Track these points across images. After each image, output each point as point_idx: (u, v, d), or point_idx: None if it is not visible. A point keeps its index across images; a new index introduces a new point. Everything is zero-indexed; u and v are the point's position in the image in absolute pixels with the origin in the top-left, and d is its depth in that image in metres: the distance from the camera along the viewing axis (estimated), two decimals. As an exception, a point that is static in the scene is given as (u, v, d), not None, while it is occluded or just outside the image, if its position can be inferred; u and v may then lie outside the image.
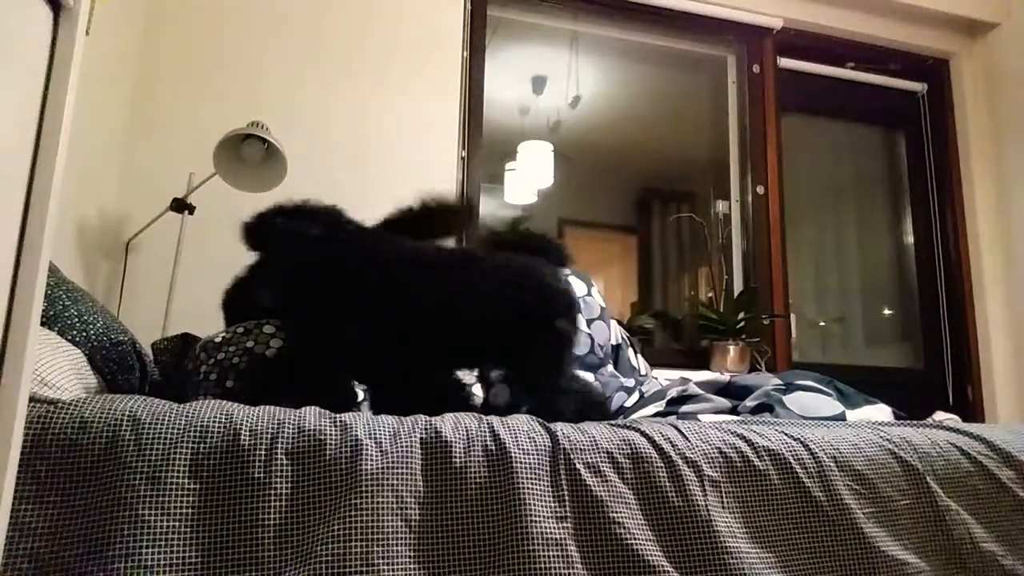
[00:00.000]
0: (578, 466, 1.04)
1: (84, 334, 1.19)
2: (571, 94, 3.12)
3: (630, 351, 2.06)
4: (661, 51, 3.20)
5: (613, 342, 1.99)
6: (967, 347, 3.08)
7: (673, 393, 1.67)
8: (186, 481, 0.90)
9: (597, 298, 2.02)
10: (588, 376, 1.75)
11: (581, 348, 1.84)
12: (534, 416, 1.14)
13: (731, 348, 2.70)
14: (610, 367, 1.90)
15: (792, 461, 1.14)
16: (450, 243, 1.55)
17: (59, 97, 0.85)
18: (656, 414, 1.55)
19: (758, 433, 1.18)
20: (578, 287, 1.98)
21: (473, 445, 1.02)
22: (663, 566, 0.99)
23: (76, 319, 1.19)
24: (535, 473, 1.02)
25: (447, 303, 1.35)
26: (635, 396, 1.75)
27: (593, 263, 2.16)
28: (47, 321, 1.13)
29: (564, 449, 1.05)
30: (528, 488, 1.00)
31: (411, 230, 1.53)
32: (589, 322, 1.94)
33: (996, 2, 3.20)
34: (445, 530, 0.96)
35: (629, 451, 1.08)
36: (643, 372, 2.05)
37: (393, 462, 0.97)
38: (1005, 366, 2.99)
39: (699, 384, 1.70)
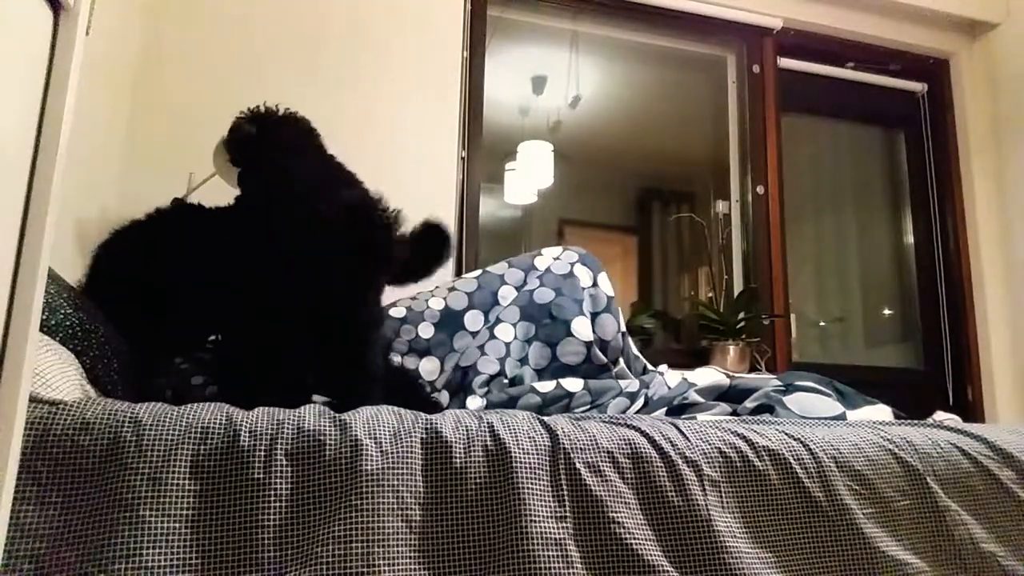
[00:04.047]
0: (578, 466, 1.04)
1: (86, 343, 1.18)
2: (571, 94, 3.12)
3: (630, 340, 1.98)
4: (661, 51, 3.19)
5: (621, 330, 1.89)
6: (967, 347, 3.08)
7: (675, 402, 1.65)
8: (187, 482, 0.90)
9: (604, 288, 1.89)
10: (577, 383, 1.69)
11: (575, 358, 1.74)
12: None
13: (731, 348, 2.70)
14: (616, 368, 1.83)
15: (792, 461, 1.14)
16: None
17: (59, 97, 0.84)
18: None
19: (758, 433, 1.18)
20: (584, 277, 1.87)
21: (473, 445, 1.02)
22: (663, 566, 0.99)
23: (78, 327, 1.19)
24: (535, 473, 1.02)
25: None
26: (639, 403, 1.70)
27: (593, 263, 2.21)
28: (49, 330, 1.12)
29: (564, 448, 1.05)
30: (528, 488, 1.00)
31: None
32: (594, 315, 1.81)
33: (996, 2, 3.19)
34: (445, 530, 0.96)
35: (629, 451, 1.08)
36: (643, 363, 1.97)
37: (393, 462, 0.97)
38: (1005, 366, 2.99)
39: (700, 391, 1.68)
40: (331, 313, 1.32)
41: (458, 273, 2.53)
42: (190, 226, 1.56)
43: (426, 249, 1.59)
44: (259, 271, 1.32)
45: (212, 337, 1.63)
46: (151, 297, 1.47)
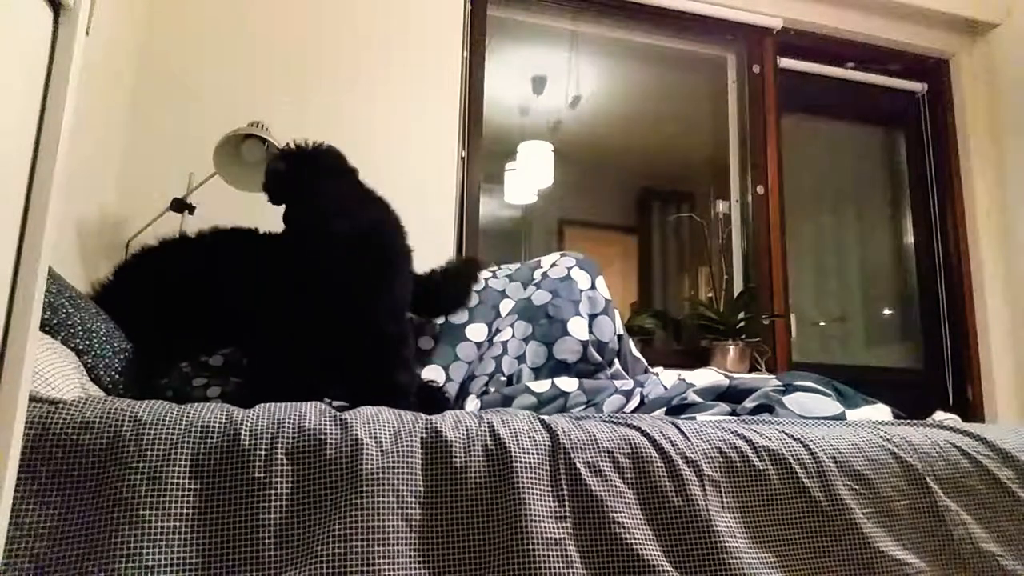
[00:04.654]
0: (578, 465, 1.04)
1: (88, 342, 1.18)
2: (571, 94, 3.12)
3: (630, 341, 1.99)
4: (661, 51, 3.19)
5: (619, 332, 1.90)
6: (967, 347, 3.08)
7: (674, 402, 1.65)
8: (187, 481, 0.90)
9: (602, 290, 1.90)
10: (572, 383, 1.69)
11: (572, 355, 1.75)
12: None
13: (731, 348, 2.69)
14: (611, 370, 1.83)
15: (792, 461, 1.14)
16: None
17: (59, 97, 0.85)
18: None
19: (758, 433, 1.18)
20: (581, 280, 1.89)
21: (473, 444, 1.02)
22: (663, 566, 0.99)
23: (79, 327, 1.19)
24: (535, 472, 1.02)
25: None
26: (635, 400, 1.71)
27: (593, 263, 2.21)
28: (50, 330, 1.13)
29: (564, 448, 1.05)
30: (528, 488, 1.00)
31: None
32: (592, 317, 1.82)
33: (996, 2, 3.20)
34: (445, 530, 0.96)
35: (629, 450, 1.08)
36: (644, 364, 1.97)
37: (394, 461, 0.97)
38: (1005, 366, 2.99)
39: (699, 391, 1.68)
40: (355, 329, 1.37)
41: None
42: (236, 247, 1.66)
43: (455, 283, 1.76)
44: (287, 291, 1.41)
45: (225, 347, 1.68)
46: (180, 304, 1.54)
